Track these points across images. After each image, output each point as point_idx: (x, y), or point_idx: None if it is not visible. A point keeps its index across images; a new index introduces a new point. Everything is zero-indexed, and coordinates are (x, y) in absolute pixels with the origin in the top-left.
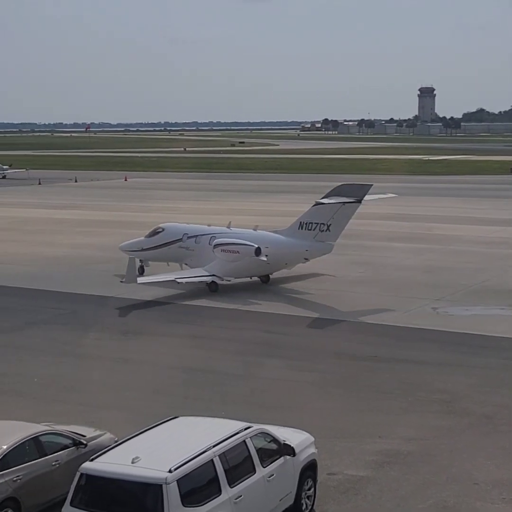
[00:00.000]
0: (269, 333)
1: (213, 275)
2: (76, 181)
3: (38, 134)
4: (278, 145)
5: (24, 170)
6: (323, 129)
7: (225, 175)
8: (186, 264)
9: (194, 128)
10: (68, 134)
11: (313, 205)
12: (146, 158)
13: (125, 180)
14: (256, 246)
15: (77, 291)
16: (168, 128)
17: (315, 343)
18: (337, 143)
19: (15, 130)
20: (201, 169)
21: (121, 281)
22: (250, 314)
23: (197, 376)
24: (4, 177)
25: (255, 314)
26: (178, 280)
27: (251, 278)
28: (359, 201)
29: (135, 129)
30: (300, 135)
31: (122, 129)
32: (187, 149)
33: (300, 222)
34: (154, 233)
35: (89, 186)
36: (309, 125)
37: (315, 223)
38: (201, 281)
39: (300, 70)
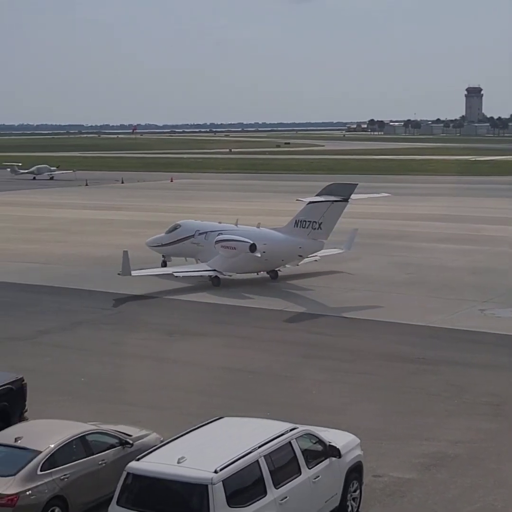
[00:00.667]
0: (314, 334)
1: (214, 270)
2: (122, 182)
3: (85, 135)
4: (323, 146)
5: (71, 171)
6: (369, 130)
7: (271, 176)
8: (199, 259)
9: (239, 129)
10: (115, 136)
11: (307, 203)
12: (192, 159)
13: (171, 181)
14: (251, 242)
15: (123, 291)
16: (214, 130)
17: (361, 345)
18: (383, 143)
19: (62, 132)
20: (246, 170)
21: (118, 274)
22: (294, 315)
23: (242, 377)
24: (52, 178)
25: (299, 315)
26: (176, 274)
27: (257, 274)
28: (346, 200)
29: (181, 130)
30: (346, 135)
31: (168, 130)
32: (232, 150)
33: (296, 220)
34: (173, 229)
35: (135, 187)
36: (355, 126)
37: (308, 221)
38: (202, 276)
39: (346, 71)
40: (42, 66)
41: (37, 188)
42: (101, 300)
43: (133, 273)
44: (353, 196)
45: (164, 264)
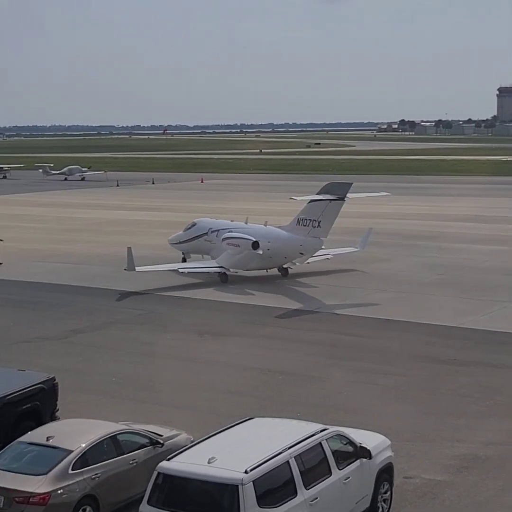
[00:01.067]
0: (344, 335)
1: (220, 267)
2: (153, 183)
3: (116, 136)
4: (354, 146)
5: (102, 172)
6: (400, 130)
7: (301, 177)
8: (212, 256)
9: (269, 129)
10: (146, 137)
11: (308, 202)
12: (222, 160)
13: (201, 181)
14: (254, 240)
15: (154, 292)
16: (244, 130)
17: (392, 346)
18: (414, 144)
19: (93, 132)
20: (277, 171)
21: (125, 269)
22: (323, 315)
23: (272, 377)
24: (83, 179)
25: (328, 315)
26: (181, 270)
27: (267, 271)
28: (342, 199)
29: (211, 131)
30: (377, 136)
31: (199, 131)
32: (262, 150)
33: (298, 219)
34: (190, 227)
35: (166, 188)
36: (385, 126)
37: (309, 219)
38: (208, 272)
39: (376, 70)
40: (74, 68)
41: (68, 189)
42: (132, 300)
43: (138, 268)
44: (350, 195)
45: (183, 261)
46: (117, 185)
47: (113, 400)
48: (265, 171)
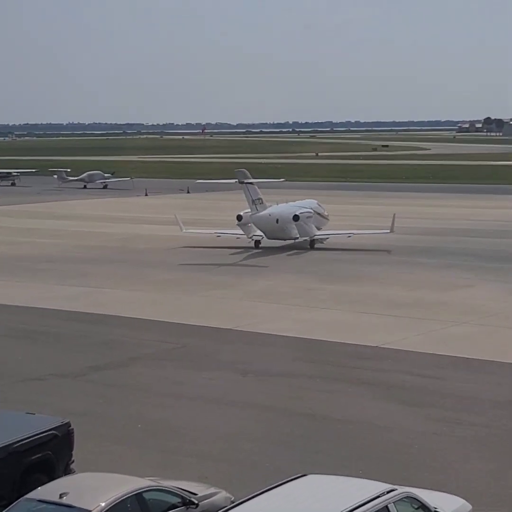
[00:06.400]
0: (416, 376)
1: (246, 233)
2: (188, 192)
3: (145, 136)
4: (429, 149)
5: (128, 178)
6: (485, 130)
7: (365, 185)
8: None
9: (328, 129)
10: (180, 137)
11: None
12: (270, 165)
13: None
14: (237, 214)
15: (187, 322)
16: (297, 130)
17: (475, 390)
18: (502, 146)
19: (118, 132)
20: (335, 178)
21: (217, 235)
22: (390, 352)
23: (329, 426)
24: (105, 187)
25: (396, 352)
26: (217, 235)
27: (291, 239)
28: (241, 182)
29: (258, 130)
30: (457, 137)
31: (243, 130)
32: (319, 154)
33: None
34: None
35: (203, 198)
36: (467, 125)
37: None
38: (238, 238)
39: (456, 63)
40: (96, 56)
41: (88, 198)
42: (162, 332)
43: (185, 229)
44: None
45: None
46: (146, 195)
47: (139, 450)
48: (323, 178)
